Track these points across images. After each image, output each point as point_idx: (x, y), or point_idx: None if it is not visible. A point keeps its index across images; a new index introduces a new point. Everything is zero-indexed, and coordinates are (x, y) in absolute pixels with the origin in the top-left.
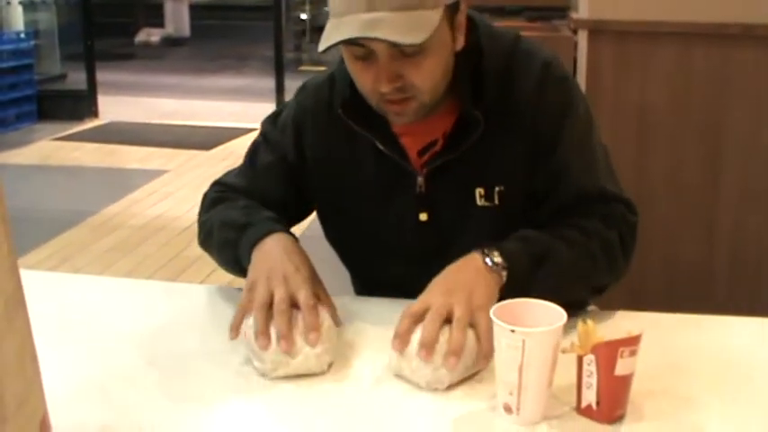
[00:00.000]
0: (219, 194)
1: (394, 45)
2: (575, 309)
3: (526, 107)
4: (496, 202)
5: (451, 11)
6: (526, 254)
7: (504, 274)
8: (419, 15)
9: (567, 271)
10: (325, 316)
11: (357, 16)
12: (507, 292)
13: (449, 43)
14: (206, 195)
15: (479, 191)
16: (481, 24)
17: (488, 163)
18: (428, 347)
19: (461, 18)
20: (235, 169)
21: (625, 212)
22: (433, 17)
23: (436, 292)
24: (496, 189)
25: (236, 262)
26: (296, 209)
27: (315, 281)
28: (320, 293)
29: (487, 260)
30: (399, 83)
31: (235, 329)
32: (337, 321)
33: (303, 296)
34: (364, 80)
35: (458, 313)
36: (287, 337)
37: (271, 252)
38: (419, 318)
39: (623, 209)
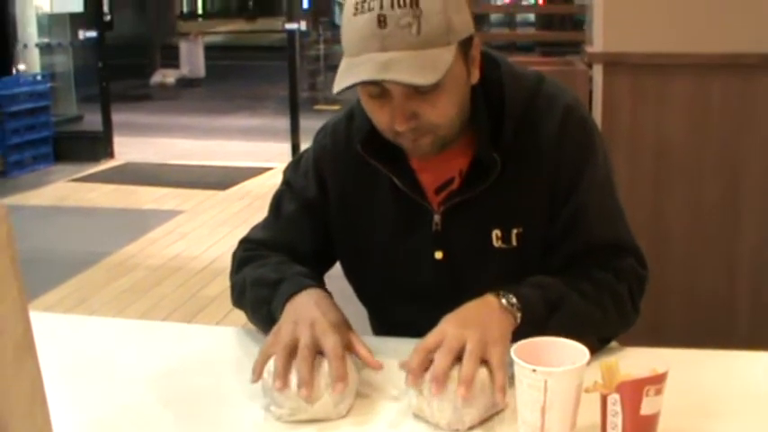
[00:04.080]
0: (249, 253)
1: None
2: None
3: (546, 151)
4: (514, 244)
5: (465, 46)
6: (541, 299)
7: (519, 316)
8: (432, 54)
9: (578, 321)
10: (348, 362)
11: (370, 56)
12: (519, 335)
13: (464, 78)
14: (235, 255)
15: (496, 232)
16: (503, 63)
17: (506, 205)
18: (439, 381)
19: (475, 52)
20: (260, 223)
21: (635, 266)
22: (447, 55)
23: (450, 326)
24: (514, 231)
25: (271, 319)
26: (326, 254)
27: (344, 327)
28: (352, 338)
29: (503, 300)
30: (414, 122)
31: (257, 372)
32: (374, 364)
33: (330, 343)
34: (380, 118)
35: (470, 345)
36: (308, 384)
37: (301, 303)
38: (432, 351)
39: (634, 262)
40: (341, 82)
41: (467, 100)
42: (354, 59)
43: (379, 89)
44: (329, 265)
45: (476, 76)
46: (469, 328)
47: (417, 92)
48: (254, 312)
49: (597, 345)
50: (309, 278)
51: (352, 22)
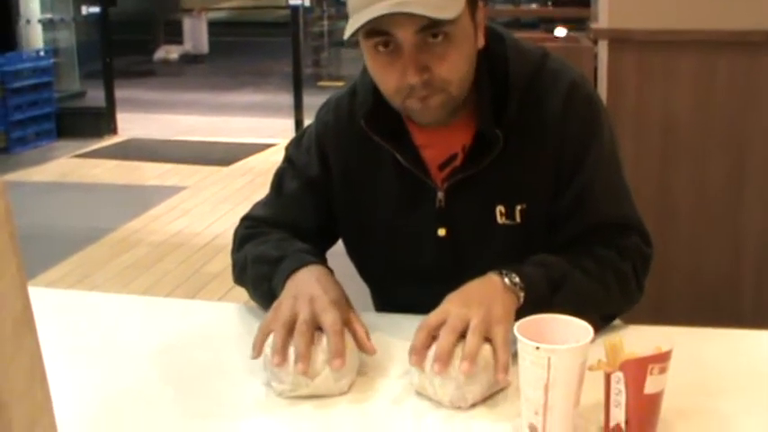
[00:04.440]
0: (250, 230)
1: (423, 28)
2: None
3: (551, 126)
4: (518, 220)
5: (472, 4)
6: (544, 278)
7: (522, 295)
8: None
9: (582, 299)
10: (348, 339)
11: (382, 3)
12: (522, 314)
13: (472, 37)
14: (236, 232)
15: (500, 209)
16: (508, 38)
17: (509, 181)
18: (442, 360)
19: (481, 17)
20: (262, 200)
21: (640, 244)
22: (459, 0)
23: (453, 304)
24: (518, 207)
25: (272, 296)
26: (328, 232)
27: (343, 304)
28: (351, 317)
29: (506, 280)
30: (426, 75)
31: (257, 348)
32: (369, 348)
33: (329, 319)
34: (389, 76)
35: (474, 323)
36: (304, 359)
37: (302, 279)
38: (435, 330)
39: (639, 240)
40: (353, 24)
41: (474, 61)
42: (363, 11)
43: (387, 40)
44: (331, 242)
45: (481, 41)
46: (473, 307)
47: (427, 43)
48: (255, 289)
49: (600, 323)
50: (311, 255)
51: None
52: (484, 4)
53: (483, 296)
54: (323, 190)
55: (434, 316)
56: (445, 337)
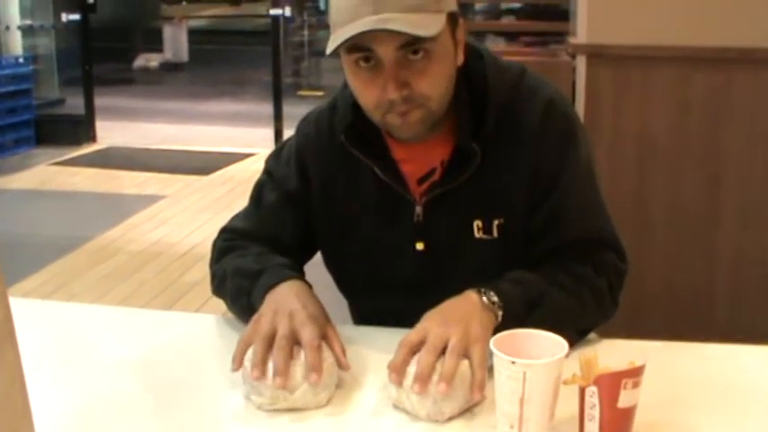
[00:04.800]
0: (229, 243)
1: (404, 45)
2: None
3: (528, 142)
4: (495, 235)
5: (452, 22)
6: (522, 297)
7: (500, 314)
8: (426, 16)
9: (558, 316)
10: (326, 352)
11: (364, 19)
12: (500, 331)
13: (452, 54)
14: (215, 244)
15: (477, 223)
16: (487, 55)
17: (487, 195)
18: (422, 381)
19: (461, 34)
20: (241, 212)
21: (615, 261)
22: (439, 18)
23: (433, 323)
24: (495, 222)
25: (251, 309)
26: (306, 244)
27: (322, 319)
28: (329, 332)
29: (484, 299)
30: (406, 91)
31: (237, 361)
32: (344, 364)
33: (307, 334)
34: (370, 91)
35: (453, 342)
36: (282, 374)
37: (281, 294)
38: (416, 347)
39: (614, 257)
40: (335, 41)
41: (453, 78)
42: (346, 27)
43: (369, 58)
44: (310, 255)
45: (461, 59)
46: (452, 326)
47: (408, 60)
48: (234, 302)
49: (576, 337)
50: (290, 270)
51: None
52: (463, 20)
53: (462, 315)
54: (301, 203)
55: (415, 334)
56: (425, 357)
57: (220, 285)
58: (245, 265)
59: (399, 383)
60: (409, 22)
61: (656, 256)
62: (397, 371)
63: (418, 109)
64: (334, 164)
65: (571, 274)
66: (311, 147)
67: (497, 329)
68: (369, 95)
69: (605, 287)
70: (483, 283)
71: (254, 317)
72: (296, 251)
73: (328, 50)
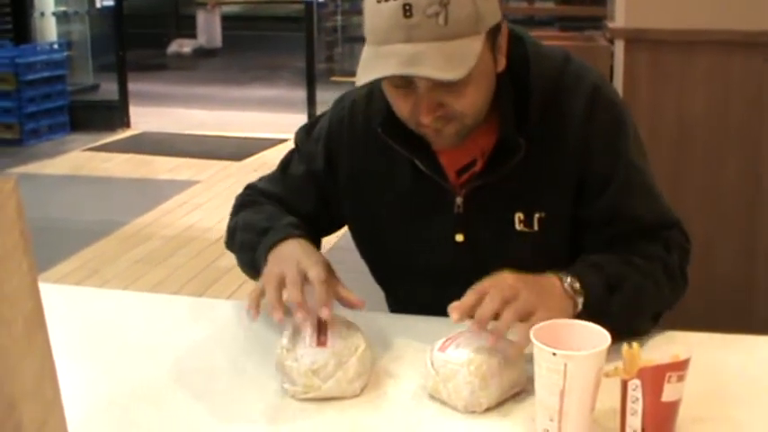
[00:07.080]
0: (249, 198)
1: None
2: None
3: (574, 131)
4: (536, 228)
5: (493, 35)
6: (602, 283)
7: (581, 300)
8: (460, 45)
9: (637, 300)
10: (359, 340)
11: (395, 48)
12: (580, 318)
13: (491, 68)
14: (237, 198)
15: (519, 215)
16: (528, 42)
17: (530, 187)
18: (480, 322)
19: (503, 40)
20: (268, 175)
21: (681, 239)
22: (475, 45)
23: (511, 277)
24: (536, 215)
25: (254, 265)
26: (324, 222)
27: (327, 265)
28: (334, 280)
29: (566, 285)
30: (440, 112)
31: (253, 307)
32: (356, 302)
33: (315, 272)
34: (403, 108)
35: (520, 300)
36: (302, 306)
37: (285, 249)
38: (486, 295)
39: (679, 235)
40: (364, 74)
41: (492, 88)
42: (378, 49)
43: (403, 80)
44: (326, 231)
45: (502, 64)
46: (527, 288)
47: (444, 84)
48: (240, 255)
49: (650, 324)
50: (298, 229)
51: (376, 9)
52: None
53: (542, 287)
54: (324, 184)
55: (489, 281)
56: (489, 302)
57: (230, 239)
58: (255, 221)
59: (457, 321)
60: (440, 61)
61: (695, 244)
62: (459, 309)
63: (453, 122)
64: (368, 151)
65: (643, 255)
66: (345, 133)
67: (578, 316)
68: (402, 109)
69: (676, 263)
70: (559, 269)
71: (264, 271)
72: (312, 223)
73: (358, 83)
